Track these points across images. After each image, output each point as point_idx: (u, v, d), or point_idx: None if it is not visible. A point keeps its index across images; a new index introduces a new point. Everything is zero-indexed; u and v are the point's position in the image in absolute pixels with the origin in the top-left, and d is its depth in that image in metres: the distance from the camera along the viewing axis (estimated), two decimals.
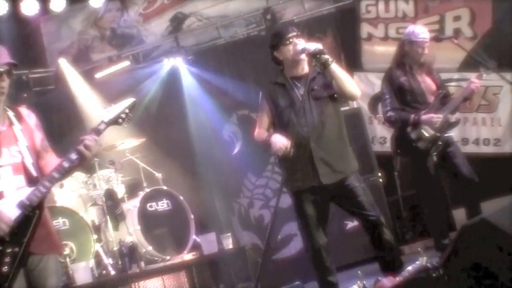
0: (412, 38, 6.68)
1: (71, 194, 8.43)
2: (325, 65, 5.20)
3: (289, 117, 5.35)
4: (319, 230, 5.38)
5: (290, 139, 5.16)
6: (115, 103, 4.37)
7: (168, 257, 8.18)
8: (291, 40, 5.39)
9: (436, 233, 6.96)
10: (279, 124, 5.48)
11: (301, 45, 5.29)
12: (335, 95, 5.42)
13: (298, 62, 5.43)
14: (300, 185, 5.35)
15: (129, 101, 4.39)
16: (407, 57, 6.76)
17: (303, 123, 5.28)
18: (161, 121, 9.83)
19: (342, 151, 5.45)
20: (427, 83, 6.81)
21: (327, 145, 5.32)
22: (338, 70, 5.27)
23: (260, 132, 5.56)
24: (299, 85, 5.41)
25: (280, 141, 5.18)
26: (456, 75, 8.96)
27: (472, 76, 7.04)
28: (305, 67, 5.49)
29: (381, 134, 9.22)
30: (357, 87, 5.51)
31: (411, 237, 8.34)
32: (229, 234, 8.45)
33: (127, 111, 4.35)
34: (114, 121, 4.30)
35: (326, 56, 5.19)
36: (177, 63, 9.92)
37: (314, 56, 5.21)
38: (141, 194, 8.48)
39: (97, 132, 4.19)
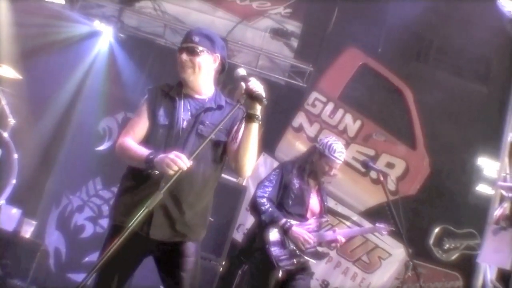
0: (326, 152, 5.73)
1: None
2: (250, 117, 3.89)
3: (160, 140, 4.08)
4: (114, 283, 4.03)
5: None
6: None
7: None
8: (182, 48, 4.11)
9: None
10: (152, 140, 4.12)
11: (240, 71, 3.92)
12: (222, 147, 4.16)
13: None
14: (123, 221, 3.91)
15: None
16: (311, 166, 5.85)
17: None
18: (50, 71, 8.77)
19: (197, 212, 4.16)
20: (314, 201, 5.91)
21: (184, 195, 4.04)
22: (255, 134, 3.97)
23: (129, 139, 4.11)
24: (189, 108, 4.16)
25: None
26: (355, 217, 8.40)
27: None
28: (206, 92, 4.22)
29: (249, 226, 8.18)
30: (252, 167, 4.15)
31: None
32: (35, 223, 7.45)
33: None
34: None
35: (258, 113, 3.89)
36: (105, 32, 9.23)
37: (251, 97, 3.80)
38: None
39: None
